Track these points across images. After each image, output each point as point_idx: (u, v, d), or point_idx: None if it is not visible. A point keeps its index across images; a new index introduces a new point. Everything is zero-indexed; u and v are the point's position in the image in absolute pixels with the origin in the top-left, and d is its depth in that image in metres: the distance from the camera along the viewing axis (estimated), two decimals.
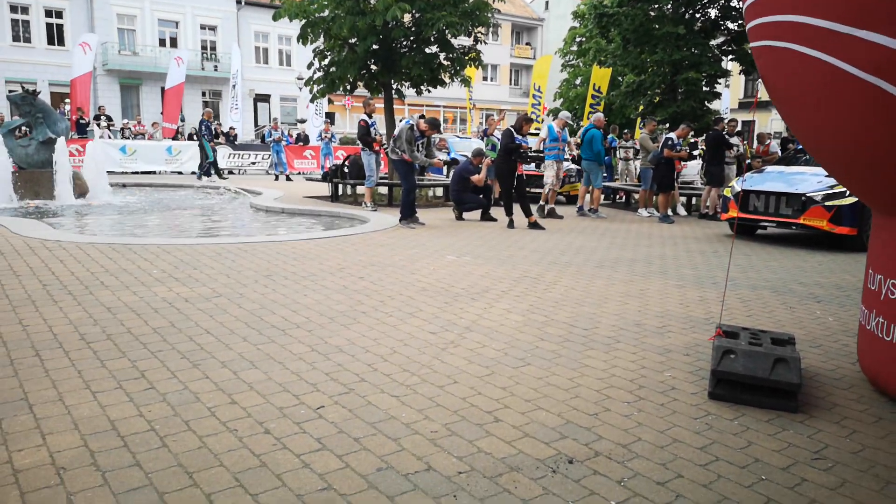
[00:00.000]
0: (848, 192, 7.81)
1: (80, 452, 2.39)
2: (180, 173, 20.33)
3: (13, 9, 27.48)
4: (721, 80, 15.00)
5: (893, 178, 2.95)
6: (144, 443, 2.49)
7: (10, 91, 20.69)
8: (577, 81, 33.27)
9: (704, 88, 13.72)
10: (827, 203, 8.20)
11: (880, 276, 3.24)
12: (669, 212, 11.55)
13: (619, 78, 18.72)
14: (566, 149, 11.99)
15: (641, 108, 15.17)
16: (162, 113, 24.53)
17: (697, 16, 14.12)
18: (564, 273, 6.15)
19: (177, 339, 3.74)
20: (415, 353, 3.67)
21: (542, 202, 11.23)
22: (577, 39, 32.81)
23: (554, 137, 11.06)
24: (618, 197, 14.68)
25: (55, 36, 28.49)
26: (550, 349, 3.82)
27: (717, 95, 14.71)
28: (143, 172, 19.46)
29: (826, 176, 8.35)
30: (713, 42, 14.19)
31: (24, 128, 12.23)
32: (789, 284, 6.06)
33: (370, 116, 10.78)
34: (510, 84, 46.31)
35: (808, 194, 8.34)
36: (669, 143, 11.03)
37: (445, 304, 4.77)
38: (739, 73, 23.68)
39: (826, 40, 2.71)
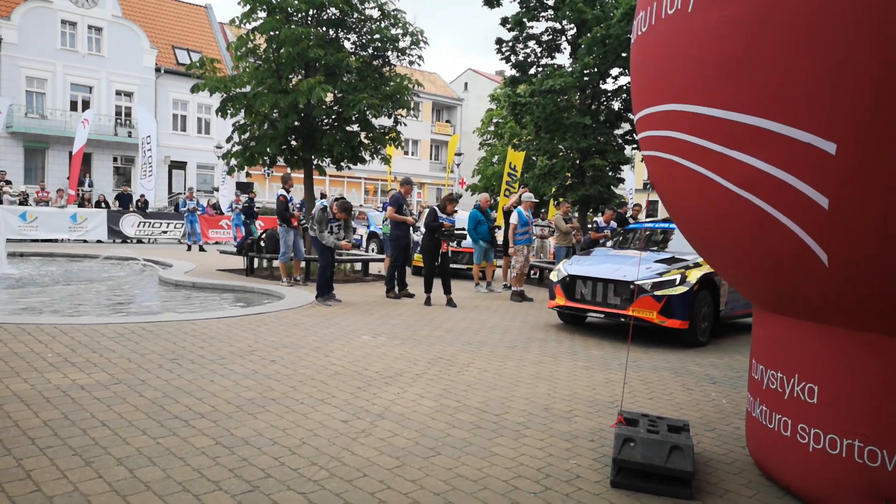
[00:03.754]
0: (678, 281, 7.18)
1: None
2: (85, 241, 19.43)
3: None
4: (624, 167, 16.05)
5: (756, 274, 3.29)
6: None
7: None
8: (495, 160, 34.71)
9: (610, 174, 14.66)
10: (656, 292, 7.14)
11: (762, 366, 3.52)
12: None
13: (534, 158, 19.66)
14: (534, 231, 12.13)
15: (554, 189, 15.93)
16: (68, 178, 23.56)
17: (602, 107, 15.20)
18: (478, 354, 6.26)
19: (69, 432, 3.53)
20: (325, 444, 3.61)
21: (510, 285, 11.36)
22: (494, 121, 34.46)
23: (525, 222, 10.98)
24: (532, 273, 15.16)
25: None
26: (461, 437, 3.86)
27: (621, 181, 15.73)
28: (44, 240, 18.45)
29: (656, 261, 7.70)
30: (617, 131, 15.26)
31: None
32: (688, 365, 6.40)
33: (288, 191, 10.81)
34: (430, 159, 47.75)
35: (636, 282, 7.24)
36: (595, 226, 12.12)
37: (358, 390, 4.74)
38: (642, 161, 25.39)
39: (703, 156, 3.04)
